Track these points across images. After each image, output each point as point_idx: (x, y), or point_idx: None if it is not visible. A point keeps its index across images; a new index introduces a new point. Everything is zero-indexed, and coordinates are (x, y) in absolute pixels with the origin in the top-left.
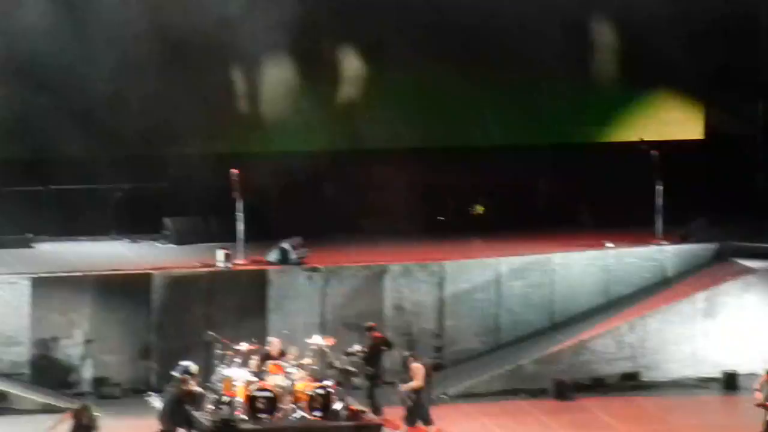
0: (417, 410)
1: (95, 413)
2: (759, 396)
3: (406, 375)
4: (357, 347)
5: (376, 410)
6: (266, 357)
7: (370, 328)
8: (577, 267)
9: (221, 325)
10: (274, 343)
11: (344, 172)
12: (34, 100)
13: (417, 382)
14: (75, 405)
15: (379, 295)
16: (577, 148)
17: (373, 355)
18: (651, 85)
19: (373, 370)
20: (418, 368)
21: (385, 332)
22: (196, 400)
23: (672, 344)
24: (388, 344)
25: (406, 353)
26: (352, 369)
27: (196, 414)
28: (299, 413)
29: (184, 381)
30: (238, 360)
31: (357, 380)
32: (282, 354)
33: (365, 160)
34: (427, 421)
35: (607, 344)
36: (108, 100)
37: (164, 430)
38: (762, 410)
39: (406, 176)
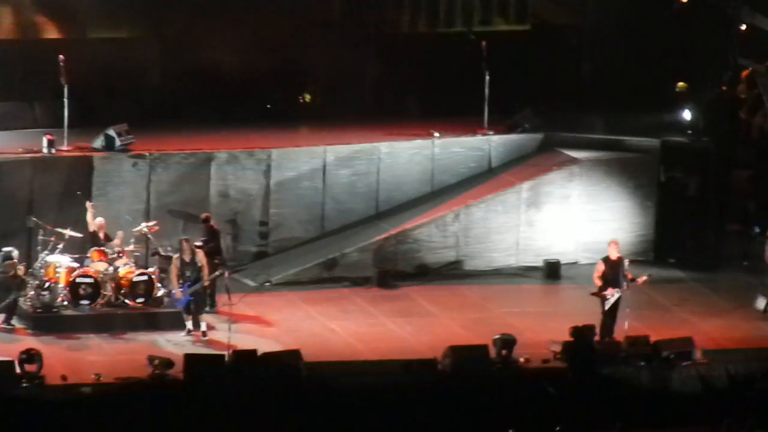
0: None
1: None
2: (599, 283)
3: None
4: (197, 242)
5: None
6: (93, 238)
7: (206, 219)
8: (404, 156)
9: (45, 211)
10: (98, 224)
11: (172, 59)
12: None
13: (206, 268)
14: None
15: (205, 183)
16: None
17: (218, 244)
18: None
19: (220, 258)
20: (203, 254)
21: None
22: (22, 285)
23: (496, 233)
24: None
25: (187, 237)
26: (175, 256)
27: (18, 299)
28: (121, 300)
29: (12, 265)
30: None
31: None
32: (108, 239)
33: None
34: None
35: (432, 233)
36: None
37: None
38: (598, 299)
39: (235, 63)
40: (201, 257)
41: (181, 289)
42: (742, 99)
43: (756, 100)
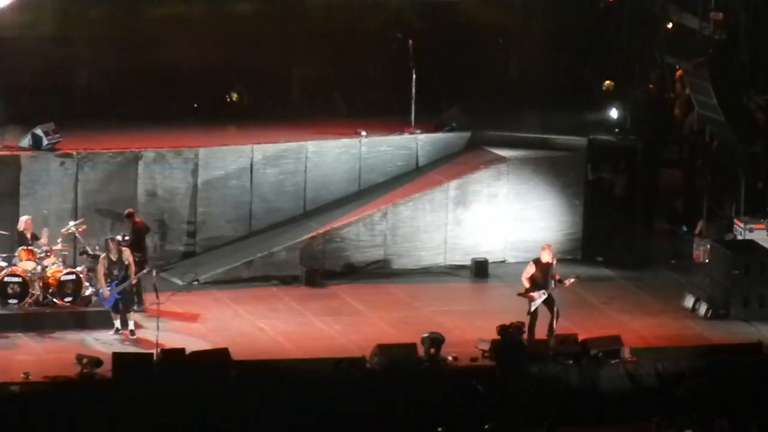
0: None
1: None
2: (527, 285)
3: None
4: (118, 237)
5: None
6: (21, 238)
7: (129, 215)
8: (331, 155)
9: None
10: (25, 222)
11: (99, 58)
12: None
13: (133, 266)
14: None
15: (133, 182)
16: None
17: (139, 241)
18: None
19: (141, 255)
20: (129, 252)
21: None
22: None
23: (423, 232)
24: (148, 229)
25: (114, 236)
26: (102, 255)
27: None
28: (50, 299)
29: None
30: None
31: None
32: (35, 238)
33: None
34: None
35: (359, 232)
36: None
37: None
38: (527, 299)
39: (162, 61)
40: (128, 255)
41: (109, 288)
42: (670, 97)
43: (689, 99)
